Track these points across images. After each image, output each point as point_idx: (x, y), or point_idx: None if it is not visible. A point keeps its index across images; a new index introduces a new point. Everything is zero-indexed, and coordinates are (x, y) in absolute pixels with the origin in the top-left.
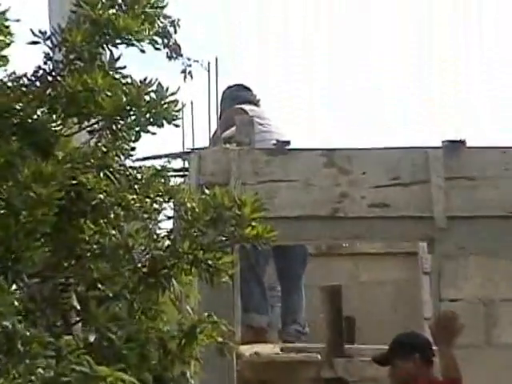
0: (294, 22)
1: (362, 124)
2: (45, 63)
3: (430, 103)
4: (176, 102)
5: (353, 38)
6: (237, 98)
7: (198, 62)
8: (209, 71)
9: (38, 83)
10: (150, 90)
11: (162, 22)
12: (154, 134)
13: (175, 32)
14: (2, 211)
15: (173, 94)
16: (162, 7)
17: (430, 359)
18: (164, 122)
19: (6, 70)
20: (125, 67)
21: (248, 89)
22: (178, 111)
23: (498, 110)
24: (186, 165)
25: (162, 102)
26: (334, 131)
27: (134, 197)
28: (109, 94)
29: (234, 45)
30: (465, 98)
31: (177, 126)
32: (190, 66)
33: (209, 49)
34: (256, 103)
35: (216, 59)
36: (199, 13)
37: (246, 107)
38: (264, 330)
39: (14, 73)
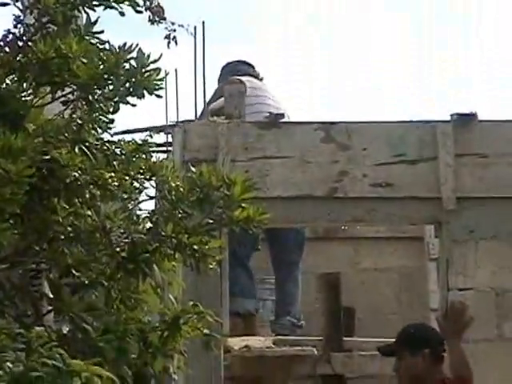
0: (294, 21)
1: None
2: (15, 27)
3: (429, 103)
4: (158, 70)
5: (353, 38)
6: (235, 71)
7: (182, 26)
8: (195, 37)
9: (6, 49)
10: (129, 56)
11: None
12: (133, 105)
13: None
14: None
15: (155, 61)
16: None
17: (440, 355)
18: (145, 92)
19: None
20: (102, 32)
21: (250, 64)
22: (160, 80)
23: (497, 109)
24: (170, 139)
25: (143, 71)
26: None
27: (112, 174)
28: (84, 60)
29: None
30: (465, 98)
31: (159, 96)
32: (174, 30)
33: (195, 13)
34: (257, 77)
35: (203, 23)
36: None
37: (243, 78)
38: (252, 315)
39: None
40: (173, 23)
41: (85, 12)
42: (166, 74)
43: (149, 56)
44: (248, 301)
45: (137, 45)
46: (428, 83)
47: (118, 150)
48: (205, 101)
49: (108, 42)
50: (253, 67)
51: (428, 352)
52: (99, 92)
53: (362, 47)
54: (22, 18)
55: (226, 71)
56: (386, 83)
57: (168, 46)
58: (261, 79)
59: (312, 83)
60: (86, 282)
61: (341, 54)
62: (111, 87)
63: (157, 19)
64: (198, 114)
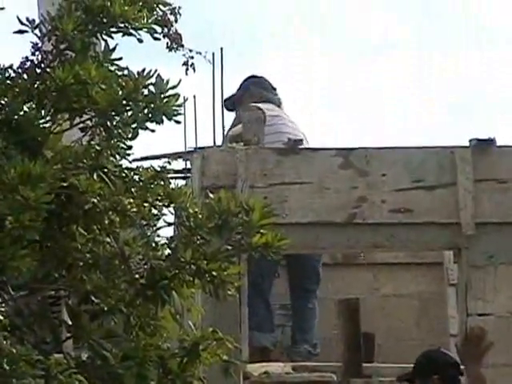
0: (294, 21)
1: (362, 124)
2: (33, 54)
3: (430, 103)
4: (177, 96)
5: (352, 38)
6: (257, 95)
7: (200, 53)
8: (213, 63)
9: (25, 76)
10: (148, 82)
11: (161, 10)
12: (152, 131)
13: (176, 21)
14: None
15: (174, 87)
16: None
17: (452, 380)
18: (164, 117)
19: None
20: (121, 58)
21: (273, 87)
22: (179, 106)
23: (498, 110)
24: (188, 166)
25: (162, 96)
26: (335, 132)
27: (131, 201)
28: (103, 87)
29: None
30: (465, 98)
31: (178, 122)
32: (191, 57)
33: (213, 39)
34: (276, 102)
35: (221, 50)
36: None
37: (262, 105)
38: (267, 349)
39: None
40: (190, 50)
41: (103, 39)
42: (185, 100)
43: (168, 82)
44: (265, 336)
45: (155, 71)
46: (428, 83)
47: (136, 177)
48: (223, 127)
49: (127, 68)
50: (274, 89)
51: (437, 378)
52: (118, 118)
53: (362, 46)
54: (39, 45)
55: (249, 89)
56: (386, 83)
57: (186, 72)
58: (279, 104)
59: (312, 83)
60: (105, 308)
61: (340, 54)
62: (130, 113)
63: (174, 46)
64: (219, 141)
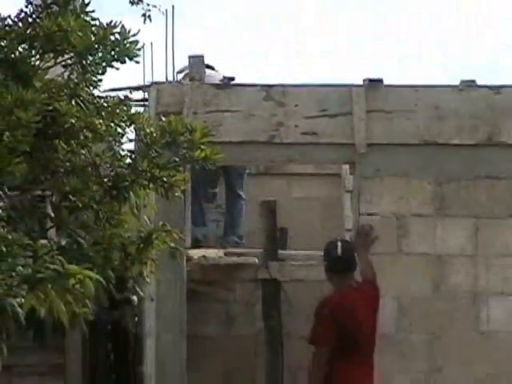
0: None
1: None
2: (26, 7)
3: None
4: (137, 42)
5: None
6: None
7: (155, 6)
8: (166, 16)
9: (20, 24)
10: (114, 31)
11: None
12: (117, 69)
13: None
14: None
15: (134, 35)
16: None
17: (347, 267)
18: (126, 58)
19: None
20: (94, 11)
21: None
22: (138, 50)
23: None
24: (146, 96)
25: (125, 42)
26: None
27: (101, 122)
28: (80, 34)
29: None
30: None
31: (137, 62)
32: (149, 10)
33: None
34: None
35: (173, 7)
36: None
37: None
38: (198, 239)
39: (0, 15)
40: (148, 4)
41: None
42: (143, 46)
43: (129, 31)
44: (197, 229)
45: (120, 22)
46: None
47: (105, 103)
48: (173, 67)
49: (98, 19)
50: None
51: (327, 264)
52: (91, 58)
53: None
54: (31, 0)
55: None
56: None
57: (144, 22)
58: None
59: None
60: (80, 205)
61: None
62: (100, 54)
63: (136, 1)
64: (170, 77)
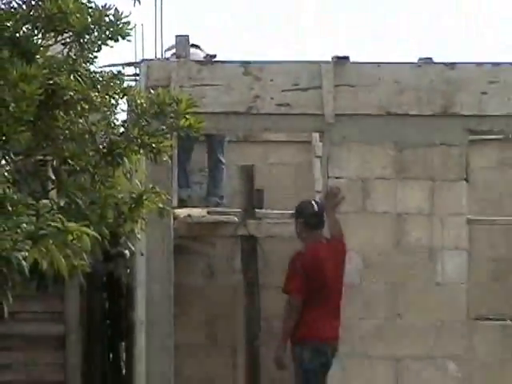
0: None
1: None
2: None
3: None
4: (128, 22)
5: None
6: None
7: None
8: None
9: (23, 6)
10: (108, 13)
11: None
12: (111, 47)
13: None
14: None
15: (126, 16)
16: None
17: (317, 224)
18: (119, 37)
19: None
20: None
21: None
22: (130, 30)
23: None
24: (138, 71)
25: (118, 23)
26: None
27: (97, 94)
28: (78, 15)
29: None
30: None
31: (129, 41)
32: None
33: None
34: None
35: None
36: None
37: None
38: (183, 200)
39: None
40: None
41: None
42: (134, 26)
43: (122, 13)
44: (181, 190)
45: (114, 5)
46: None
47: (100, 78)
48: (162, 45)
49: (94, 2)
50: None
51: (302, 221)
52: (88, 37)
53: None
54: None
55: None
56: None
57: (134, 5)
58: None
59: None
60: (78, 169)
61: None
62: (96, 34)
63: None
64: (159, 55)
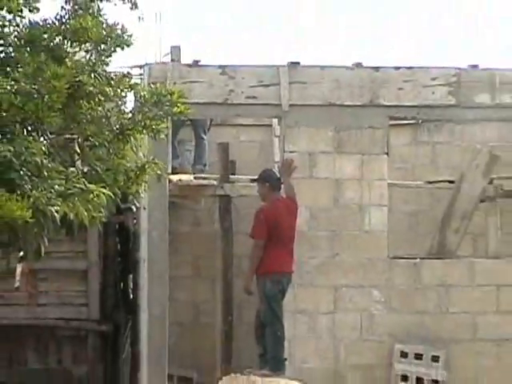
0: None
1: None
2: (60, 10)
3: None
4: (131, 35)
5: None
6: None
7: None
8: (159, 18)
9: (56, 23)
10: (117, 28)
11: None
12: (119, 52)
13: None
14: (36, 96)
15: (130, 35)
16: None
17: (276, 187)
18: (125, 46)
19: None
20: (105, 14)
21: None
22: (132, 41)
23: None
24: (142, 71)
25: (124, 36)
26: None
27: (110, 89)
28: (95, 30)
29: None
30: None
31: (130, 48)
32: (142, 14)
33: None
34: None
35: (160, 14)
36: None
37: None
38: (175, 168)
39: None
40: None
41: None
42: (136, 38)
43: (127, 29)
44: (173, 160)
45: (122, 23)
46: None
47: (113, 76)
48: (160, 52)
49: (107, 20)
50: None
51: (269, 185)
52: (103, 46)
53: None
54: (65, 6)
55: None
56: None
57: (139, 21)
58: None
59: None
60: (97, 144)
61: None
62: (108, 44)
63: (133, 7)
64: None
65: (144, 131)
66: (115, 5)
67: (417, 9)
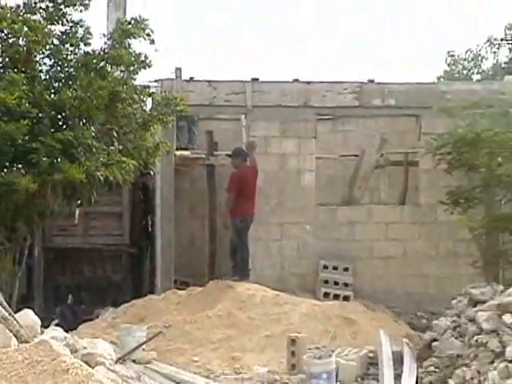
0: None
1: None
2: (104, 44)
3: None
4: (151, 61)
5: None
6: None
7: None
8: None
9: (102, 52)
10: (142, 55)
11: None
12: (142, 72)
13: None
14: (87, 100)
15: (150, 60)
16: None
17: (244, 159)
18: (147, 67)
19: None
20: (133, 46)
21: None
22: (151, 65)
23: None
24: (157, 84)
25: (146, 61)
26: None
27: (136, 95)
28: (126, 57)
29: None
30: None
31: (150, 68)
32: (156, 48)
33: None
34: None
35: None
36: None
37: None
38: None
39: (93, 48)
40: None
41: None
42: (152, 62)
43: (147, 56)
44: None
45: (144, 53)
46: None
47: (138, 87)
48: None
49: (134, 51)
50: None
51: (240, 158)
52: (132, 68)
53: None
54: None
55: None
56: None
57: (155, 51)
58: None
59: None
60: (128, 131)
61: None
62: (135, 66)
63: (151, 43)
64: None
65: (158, 123)
66: (140, 41)
67: (417, 8)
